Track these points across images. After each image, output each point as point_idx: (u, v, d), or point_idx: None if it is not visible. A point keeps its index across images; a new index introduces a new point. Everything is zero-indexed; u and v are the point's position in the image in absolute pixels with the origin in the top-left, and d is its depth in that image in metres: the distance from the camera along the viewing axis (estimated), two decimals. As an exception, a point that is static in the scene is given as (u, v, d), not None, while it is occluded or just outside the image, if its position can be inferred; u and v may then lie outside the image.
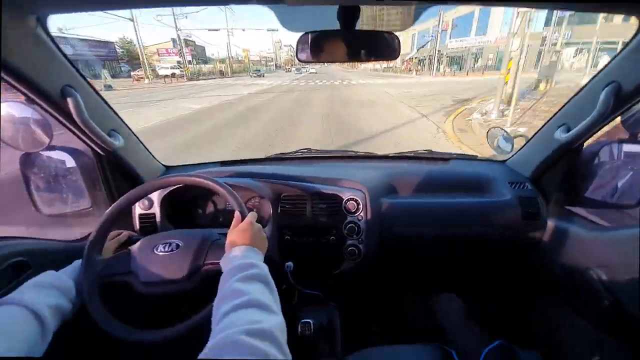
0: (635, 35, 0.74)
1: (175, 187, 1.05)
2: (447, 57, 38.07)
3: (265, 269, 0.60)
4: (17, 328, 0.50)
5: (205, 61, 64.15)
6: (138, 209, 1.09)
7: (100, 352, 0.93)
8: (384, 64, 57.48)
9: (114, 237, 0.88)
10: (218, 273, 0.60)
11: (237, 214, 0.74)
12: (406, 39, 50.76)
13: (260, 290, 0.54)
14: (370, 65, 67.43)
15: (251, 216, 0.73)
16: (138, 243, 0.81)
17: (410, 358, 0.90)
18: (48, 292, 0.59)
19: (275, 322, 0.47)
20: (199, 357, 0.40)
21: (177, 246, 0.78)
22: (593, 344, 1.03)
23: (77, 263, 0.71)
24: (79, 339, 0.85)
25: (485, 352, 1.16)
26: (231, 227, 0.71)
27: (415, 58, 46.88)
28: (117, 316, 0.71)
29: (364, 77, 36.56)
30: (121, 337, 0.68)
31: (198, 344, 0.43)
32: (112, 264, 0.77)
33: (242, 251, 0.63)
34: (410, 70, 42.68)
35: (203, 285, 0.74)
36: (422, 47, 42.37)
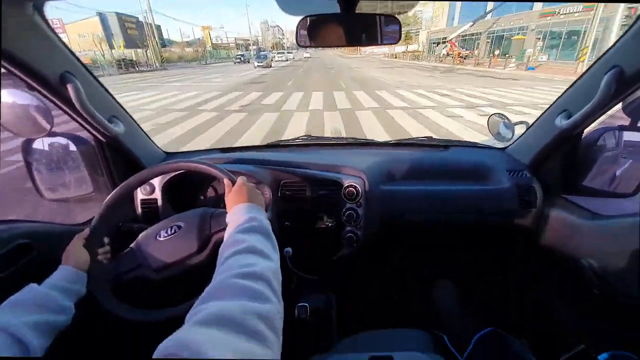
0: (637, 19, 0.72)
1: (176, 173, 1.06)
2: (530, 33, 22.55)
3: (264, 221, 0.62)
4: None
5: (163, 44, 52.23)
6: (140, 195, 1.10)
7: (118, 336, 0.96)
8: (397, 47, 45.92)
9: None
10: None
11: (226, 181, 0.75)
12: (438, 10, 40.58)
13: (258, 239, 0.56)
14: (376, 48, 54.57)
15: (241, 179, 0.74)
16: (140, 236, 0.82)
17: (403, 342, 0.92)
18: (27, 311, 0.55)
19: (269, 265, 0.50)
20: (193, 307, 0.41)
21: (179, 227, 0.80)
22: (581, 332, 1.05)
23: (61, 269, 0.67)
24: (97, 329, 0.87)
25: (476, 338, 1.19)
26: (225, 194, 0.73)
27: (460, 37, 31.29)
28: (135, 305, 0.71)
29: (371, 71, 21.78)
30: (144, 320, 0.69)
31: None
32: (119, 264, 0.78)
33: (243, 208, 0.65)
34: (462, 59, 26.53)
35: (215, 254, 0.76)
36: (483, 17, 27.43)
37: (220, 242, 0.74)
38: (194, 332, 0.35)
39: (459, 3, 30.14)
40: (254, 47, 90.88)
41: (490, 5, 25.08)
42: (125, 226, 0.95)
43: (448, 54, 29.76)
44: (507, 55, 22.58)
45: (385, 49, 50.68)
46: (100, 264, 0.76)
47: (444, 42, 33.20)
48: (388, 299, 1.50)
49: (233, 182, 0.74)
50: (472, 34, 31.02)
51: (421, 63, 31.65)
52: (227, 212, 0.68)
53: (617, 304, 0.89)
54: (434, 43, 39.18)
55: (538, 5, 21.69)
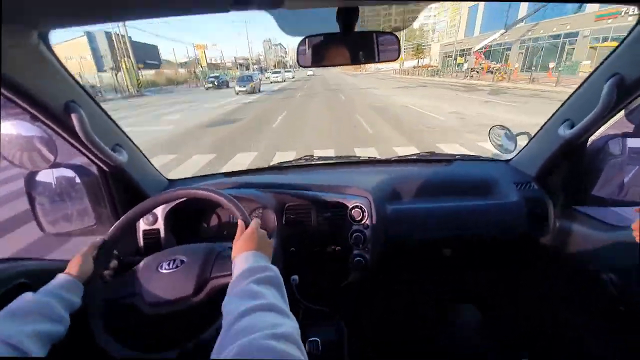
0: (636, 25, 0.73)
1: (179, 201, 1.04)
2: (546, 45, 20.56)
3: (276, 272, 0.60)
4: None
5: (158, 65, 46.22)
6: (142, 225, 1.07)
7: None
8: (407, 61, 44.84)
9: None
10: (225, 286, 0.58)
11: (240, 222, 0.73)
12: (454, 17, 35.16)
13: (276, 294, 0.54)
14: (383, 64, 50.80)
15: (255, 223, 0.72)
16: (142, 262, 0.80)
17: None
18: (25, 320, 0.54)
19: (293, 326, 0.48)
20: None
21: (182, 262, 0.77)
22: (611, 351, 0.99)
23: (60, 277, 0.66)
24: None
25: None
26: (236, 236, 0.71)
27: (485, 49, 26.38)
28: (122, 338, 0.69)
29: (392, 93, 16.54)
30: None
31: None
32: (116, 286, 0.76)
33: (251, 256, 0.63)
34: (491, 73, 21.26)
35: (210, 299, 0.73)
36: (517, 24, 22.39)
37: (217, 289, 0.73)
38: None
39: (480, 11, 28.69)
40: (256, 65, 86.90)
41: (524, 9, 21.87)
42: (127, 259, 0.92)
43: (472, 69, 24.86)
44: (555, 68, 17.84)
45: (395, 65, 46.51)
46: (101, 279, 0.75)
47: (462, 55, 30.67)
48: (401, 326, 1.44)
49: (247, 224, 0.73)
50: (500, 44, 26.24)
51: (444, 80, 25.94)
52: (231, 255, 0.67)
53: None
54: (448, 56, 35.33)
55: (592, 7, 17.46)
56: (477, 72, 23.73)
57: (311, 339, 1.13)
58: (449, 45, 35.59)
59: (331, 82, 30.51)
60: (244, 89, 20.61)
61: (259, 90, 22.10)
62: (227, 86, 28.20)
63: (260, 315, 0.46)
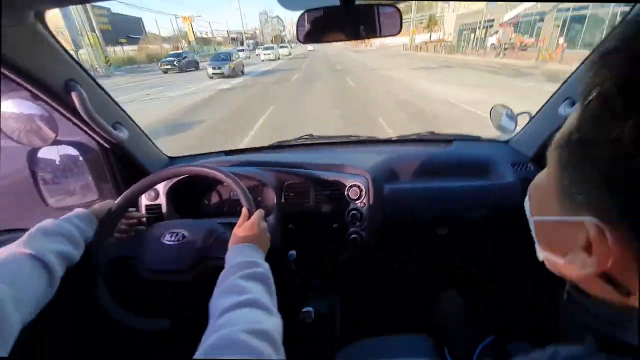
0: (633, 7, 0.72)
1: (180, 177, 1.06)
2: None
3: (266, 268, 0.61)
4: (25, 277, 0.52)
5: (136, 40, 41.52)
6: (144, 200, 1.10)
7: (99, 333, 0.97)
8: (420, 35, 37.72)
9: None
10: (219, 267, 0.61)
11: (244, 210, 0.74)
12: None
13: (261, 290, 0.55)
14: (388, 39, 45.54)
15: (258, 214, 0.74)
16: (147, 229, 0.84)
17: (406, 349, 0.92)
18: (54, 239, 0.61)
19: (274, 323, 0.49)
20: (198, 354, 0.41)
21: (184, 236, 0.80)
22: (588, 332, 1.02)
23: (78, 211, 0.73)
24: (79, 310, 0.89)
25: (480, 348, 1.16)
26: (238, 222, 0.72)
27: (515, 21, 21.86)
28: (119, 298, 0.74)
29: (415, 77, 12.43)
30: (117, 318, 0.71)
31: (195, 337, 0.45)
32: (120, 247, 0.81)
33: (245, 249, 0.64)
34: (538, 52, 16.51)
35: (202, 277, 0.76)
36: None
37: (210, 269, 0.76)
38: None
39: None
40: (251, 40, 79.50)
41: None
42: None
43: (502, 44, 20.11)
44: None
45: (403, 39, 39.92)
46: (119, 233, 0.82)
47: (485, 28, 24.87)
48: (393, 303, 1.48)
49: (251, 213, 0.74)
50: (530, 14, 21.66)
51: (467, 58, 21.01)
52: (229, 238, 0.69)
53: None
54: (466, 30, 29.10)
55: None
56: (506, 49, 19.66)
57: (305, 309, 1.18)
58: (469, 15, 29.50)
59: (334, 60, 25.34)
60: (219, 71, 15.71)
61: (242, 72, 17.62)
62: (197, 67, 22.30)
63: (241, 311, 0.48)
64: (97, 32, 24.78)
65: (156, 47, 39.38)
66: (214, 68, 15.98)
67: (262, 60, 28.29)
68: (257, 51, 28.76)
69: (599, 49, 0.24)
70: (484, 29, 26.01)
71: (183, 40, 47.25)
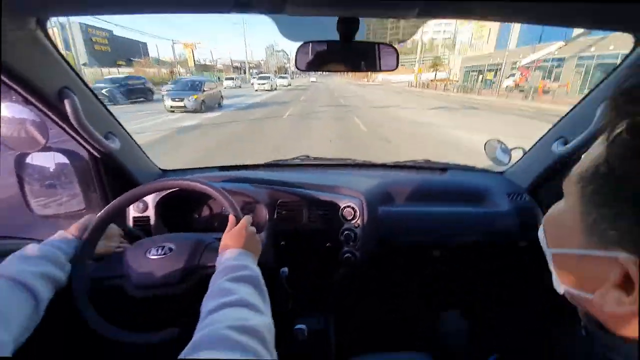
0: (632, 51, 0.75)
1: (170, 190, 1.05)
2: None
3: (256, 271, 0.60)
4: (7, 302, 0.50)
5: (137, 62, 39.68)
6: (132, 212, 1.08)
7: (90, 349, 0.92)
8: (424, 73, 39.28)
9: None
10: (211, 276, 0.60)
11: (231, 217, 0.74)
12: (479, 30, 32.99)
13: (250, 291, 0.54)
14: (391, 75, 46.80)
15: (245, 220, 0.73)
16: (131, 246, 0.81)
17: None
18: (35, 262, 0.59)
19: (262, 321, 0.47)
20: (182, 353, 0.40)
21: (170, 250, 0.78)
22: (588, 356, 1.02)
23: (61, 233, 0.71)
24: (70, 335, 0.85)
25: None
26: (226, 230, 0.72)
27: (536, 65, 22.71)
28: (108, 318, 0.71)
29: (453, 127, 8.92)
30: (110, 337, 0.68)
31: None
32: (104, 267, 0.77)
33: (234, 254, 0.63)
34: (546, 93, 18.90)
35: (196, 288, 0.74)
36: (583, 36, 18.22)
37: (203, 278, 0.74)
38: None
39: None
40: (255, 70, 75.65)
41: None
42: (130, 229, 0.96)
43: (517, 85, 22.44)
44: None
45: (406, 77, 42.16)
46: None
47: (491, 70, 26.81)
48: (388, 322, 1.46)
49: (238, 219, 0.73)
50: (548, 60, 22.24)
51: (488, 99, 20.25)
52: (218, 247, 0.68)
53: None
54: (473, 71, 31.74)
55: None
56: (522, 91, 20.58)
57: (298, 326, 1.16)
58: (474, 59, 32.57)
59: (337, 94, 22.57)
60: (180, 103, 11.68)
61: (219, 105, 13.88)
62: (147, 97, 16.83)
63: (227, 311, 0.47)
64: (73, 50, 24.06)
65: (154, 70, 36.66)
66: (173, 99, 11.84)
67: (256, 91, 24.20)
68: (252, 81, 24.76)
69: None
70: (490, 72, 28.91)
71: (179, 65, 44.88)
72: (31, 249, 0.62)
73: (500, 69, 26.37)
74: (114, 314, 0.72)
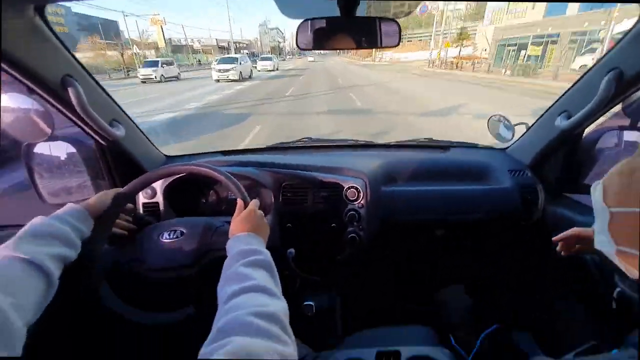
0: (638, 22, 0.73)
1: (178, 176, 1.06)
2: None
3: (268, 255, 0.62)
4: (21, 283, 0.50)
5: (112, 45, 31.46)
6: (142, 198, 1.10)
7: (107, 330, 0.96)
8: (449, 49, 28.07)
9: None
10: (222, 258, 0.61)
11: (239, 201, 0.75)
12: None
13: (264, 276, 0.55)
14: (398, 52, 39.78)
15: (253, 204, 0.74)
16: (144, 231, 0.83)
17: (409, 338, 0.93)
18: (46, 242, 0.58)
19: (281, 306, 0.49)
20: (209, 339, 0.41)
21: (182, 233, 0.80)
22: (588, 326, 1.05)
23: (71, 206, 0.69)
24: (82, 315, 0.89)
25: (483, 336, 1.18)
26: (234, 214, 0.73)
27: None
28: (126, 300, 0.74)
29: None
30: (128, 319, 0.71)
31: (203, 325, 0.45)
32: (118, 251, 0.80)
33: (245, 238, 0.64)
34: None
35: (208, 270, 0.76)
36: None
37: (215, 260, 0.76)
38: None
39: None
40: (246, 51, 63.53)
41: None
42: (139, 214, 0.96)
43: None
44: None
45: (422, 54, 34.97)
46: (116, 233, 0.79)
47: (540, 44, 19.97)
48: (393, 300, 1.50)
49: (246, 204, 0.74)
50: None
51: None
52: (228, 229, 0.69)
53: (622, 300, 0.88)
54: (510, 45, 23.29)
55: None
56: None
57: (306, 302, 1.20)
58: (512, 29, 23.45)
59: (340, 80, 17.12)
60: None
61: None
62: (178, 78, 17.58)
63: (247, 296, 0.48)
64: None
65: (114, 53, 30.34)
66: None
67: (217, 81, 16.88)
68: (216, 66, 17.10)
69: None
70: (538, 45, 20.57)
71: (135, 47, 34.09)
72: (42, 225, 0.60)
73: (551, 41, 19.59)
74: (131, 295, 0.75)
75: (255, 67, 23.99)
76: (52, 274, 0.54)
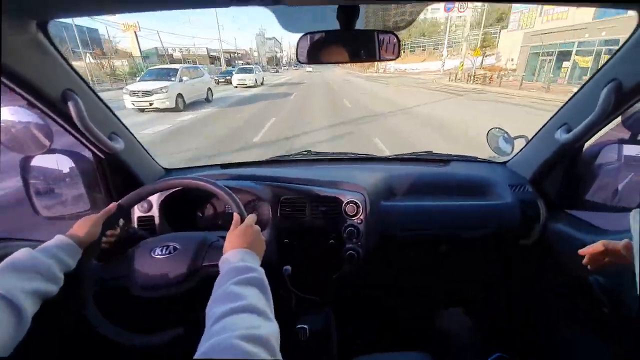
0: (635, 30, 0.73)
1: (174, 190, 1.05)
2: None
3: (261, 273, 0.60)
4: None
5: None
6: (137, 212, 1.08)
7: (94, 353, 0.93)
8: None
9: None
10: (216, 275, 0.59)
11: (235, 216, 0.74)
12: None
13: (257, 295, 0.53)
14: (403, 64, 36.74)
15: (250, 219, 0.73)
16: (135, 247, 0.81)
17: None
18: (26, 276, 0.56)
19: (271, 329, 0.47)
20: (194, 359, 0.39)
21: (175, 249, 0.78)
22: (593, 352, 1.01)
23: (59, 238, 0.67)
24: (71, 339, 0.85)
25: None
26: (230, 229, 0.71)
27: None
28: (113, 320, 0.71)
29: None
30: (115, 341, 0.68)
31: (193, 348, 0.43)
32: (109, 268, 0.77)
33: (239, 254, 0.63)
34: None
35: (201, 287, 0.74)
36: None
37: (208, 277, 0.73)
38: None
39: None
40: (240, 61, 57.19)
41: None
42: (132, 228, 0.95)
43: None
44: None
45: (431, 64, 31.94)
46: (100, 248, 0.76)
47: (585, 54, 15.53)
48: (391, 320, 1.46)
49: (243, 219, 0.73)
50: None
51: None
52: (222, 245, 0.67)
53: (628, 322, 0.85)
54: (545, 54, 18.65)
55: None
56: None
57: (299, 326, 1.16)
58: (548, 34, 18.38)
59: (348, 103, 11.85)
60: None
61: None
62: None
63: (237, 317, 0.47)
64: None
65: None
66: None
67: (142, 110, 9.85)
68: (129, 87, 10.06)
69: None
70: (587, 56, 15.95)
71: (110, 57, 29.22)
72: (25, 258, 0.58)
73: (606, 50, 14.42)
74: (119, 314, 0.73)
75: (218, 83, 19.40)
76: (24, 310, 0.51)
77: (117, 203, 0.78)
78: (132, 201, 0.80)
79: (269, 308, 0.52)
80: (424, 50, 41.81)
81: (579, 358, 1.06)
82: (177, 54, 46.08)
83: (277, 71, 29.34)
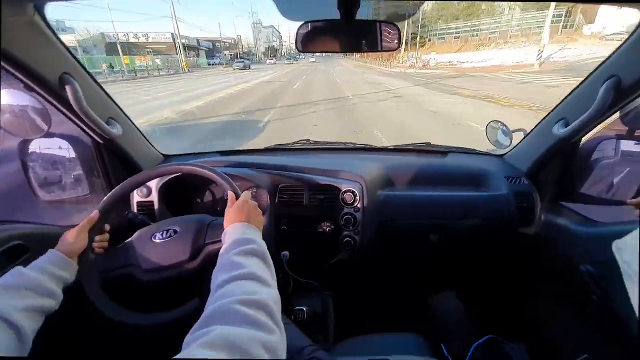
0: (637, 28, 0.73)
1: (173, 176, 1.06)
2: None
3: (262, 245, 0.61)
4: None
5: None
6: (137, 197, 1.09)
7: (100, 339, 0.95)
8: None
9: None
10: (218, 252, 0.60)
11: (230, 194, 0.74)
12: None
13: (257, 264, 0.55)
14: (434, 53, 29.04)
15: (245, 195, 0.73)
16: (134, 235, 0.81)
17: (400, 347, 0.92)
18: (18, 295, 0.55)
19: (271, 294, 0.48)
20: (194, 327, 0.41)
21: (175, 232, 0.79)
22: (581, 339, 1.04)
23: (51, 253, 0.66)
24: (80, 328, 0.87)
25: (475, 346, 1.18)
26: (227, 206, 0.72)
27: None
28: (121, 304, 0.71)
29: None
30: (134, 324, 0.69)
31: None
32: (110, 259, 0.78)
33: (240, 228, 0.64)
34: None
35: (205, 265, 0.75)
36: None
37: (212, 254, 0.75)
38: (202, 354, 0.35)
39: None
40: (227, 52, 51.85)
41: None
42: (133, 214, 0.95)
43: None
44: None
45: (461, 55, 26.44)
46: (94, 253, 0.75)
47: None
48: (386, 305, 1.49)
49: (237, 196, 0.73)
50: None
51: None
52: (223, 224, 0.68)
53: (616, 311, 0.88)
54: None
55: None
56: None
57: (298, 307, 1.19)
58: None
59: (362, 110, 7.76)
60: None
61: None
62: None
63: (236, 284, 0.48)
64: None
65: None
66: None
67: None
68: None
69: None
70: None
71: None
72: (16, 277, 0.57)
73: None
74: (127, 300, 0.73)
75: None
76: (21, 327, 0.50)
77: (97, 210, 0.76)
78: (109, 204, 0.78)
79: (270, 276, 0.54)
80: (456, 38, 33.53)
81: (568, 343, 1.10)
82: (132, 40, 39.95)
83: (275, 62, 26.33)
